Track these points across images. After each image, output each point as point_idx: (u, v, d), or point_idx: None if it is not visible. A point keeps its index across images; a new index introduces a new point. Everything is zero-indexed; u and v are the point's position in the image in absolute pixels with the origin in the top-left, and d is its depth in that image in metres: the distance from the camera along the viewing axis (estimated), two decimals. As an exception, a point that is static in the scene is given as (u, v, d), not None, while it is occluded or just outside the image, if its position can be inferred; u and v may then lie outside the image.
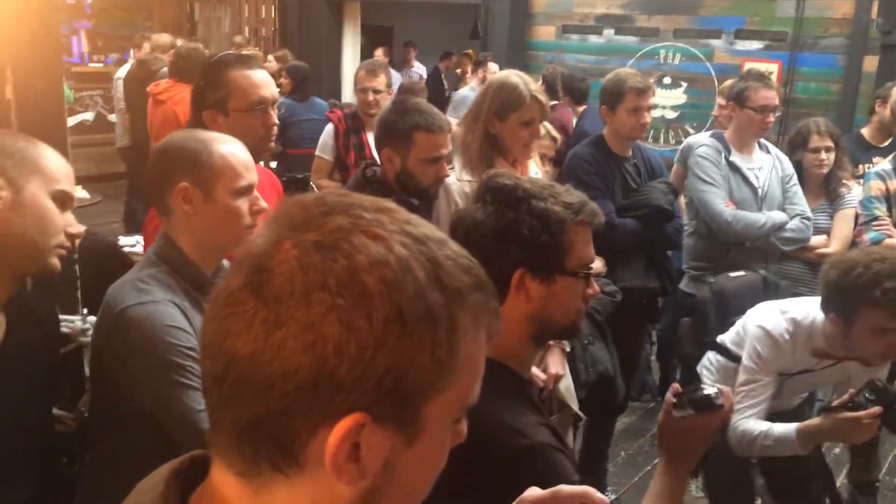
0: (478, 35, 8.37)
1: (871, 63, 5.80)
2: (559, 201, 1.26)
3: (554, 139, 3.30)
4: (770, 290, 2.44)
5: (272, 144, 1.89)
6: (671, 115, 6.76)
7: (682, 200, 3.32)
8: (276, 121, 1.87)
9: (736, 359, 2.11)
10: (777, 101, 3.04)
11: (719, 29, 6.63)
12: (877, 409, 1.75)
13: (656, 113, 6.59)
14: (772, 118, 3.02)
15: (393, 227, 0.60)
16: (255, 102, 1.82)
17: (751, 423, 1.97)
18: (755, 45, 6.50)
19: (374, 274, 0.57)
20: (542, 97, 2.29)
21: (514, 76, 2.32)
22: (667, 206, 2.76)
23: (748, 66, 6.35)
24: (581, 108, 5.37)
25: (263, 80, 1.86)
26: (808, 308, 2.02)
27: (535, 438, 1.19)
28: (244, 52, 4.03)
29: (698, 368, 2.27)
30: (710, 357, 2.26)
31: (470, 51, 8.61)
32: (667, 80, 6.82)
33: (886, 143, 3.79)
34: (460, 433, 0.65)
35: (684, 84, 6.76)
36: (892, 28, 5.89)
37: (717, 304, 2.38)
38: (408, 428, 0.59)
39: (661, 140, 6.79)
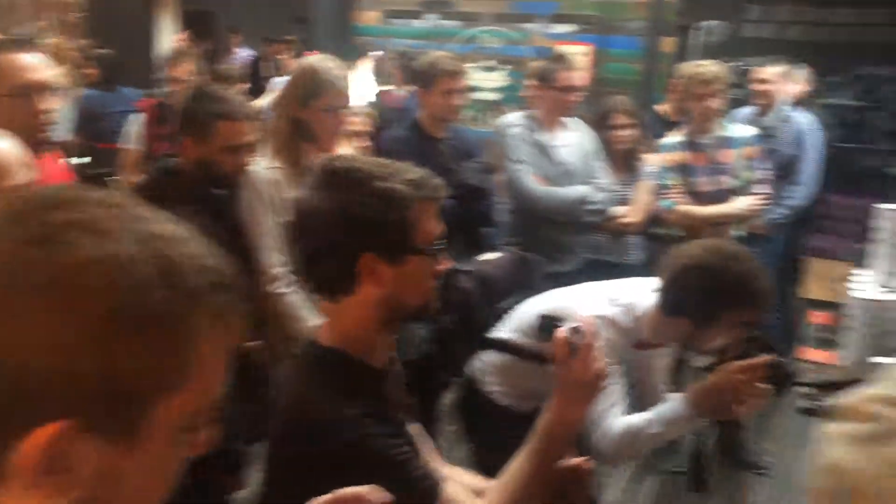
0: (303, 20, 8.24)
1: (668, 44, 6.27)
2: (400, 179, 1.21)
3: (371, 115, 3.32)
4: (531, 267, 2.40)
5: (47, 135, 1.76)
6: (493, 97, 6.98)
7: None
8: (48, 108, 1.74)
9: (526, 354, 1.98)
10: (579, 82, 3.21)
11: (535, 13, 6.92)
12: (766, 357, 1.71)
13: (479, 95, 6.81)
14: (576, 97, 3.19)
15: (121, 223, 0.57)
16: (18, 87, 1.70)
17: (624, 419, 1.85)
18: (568, 28, 6.84)
19: (92, 270, 0.54)
20: (346, 83, 2.29)
21: (320, 62, 2.30)
22: (478, 185, 2.85)
23: (563, 48, 6.72)
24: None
25: (30, 64, 1.73)
26: (632, 296, 1.94)
27: (356, 432, 1.17)
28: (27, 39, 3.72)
29: (473, 375, 2.14)
30: (486, 359, 2.12)
31: (292, 37, 8.44)
32: (488, 63, 7.03)
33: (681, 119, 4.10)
34: (196, 444, 0.61)
35: (505, 67, 6.99)
36: (685, 10, 6.40)
37: (483, 292, 2.18)
38: (126, 435, 0.55)
39: (484, 121, 7.00)
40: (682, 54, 6.17)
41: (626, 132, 3.41)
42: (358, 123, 2.96)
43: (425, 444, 1.40)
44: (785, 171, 4.04)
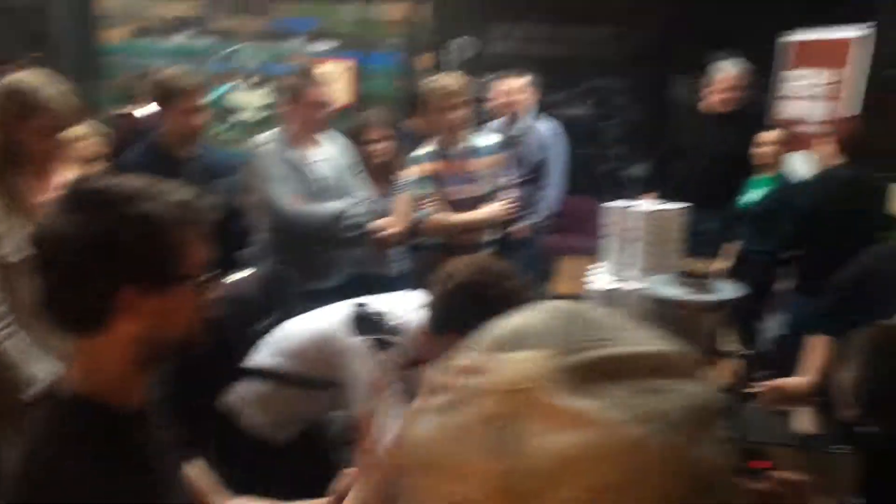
0: (41, 39, 7.53)
1: (426, 60, 6.51)
2: (162, 200, 1.09)
3: (106, 137, 3.09)
4: (285, 284, 2.41)
5: None
6: (257, 116, 6.83)
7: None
8: None
9: (293, 379, 1.94)
10: (329, 97, 3.22)
11: (294, 31, 6.87)
12: None
13: (240, 115, 6.65)
14: (326, 113, 3.20)
15: None
16: None
17: None
18: (329, 45, 6.86)
19: None
20: (66, 101, 2.11)
21: (30, 79, 2.10)
22: (230, 205, 2.76)
23: (325, 66, 6.75)
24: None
25: None
26: (400, 314, 1.94)
27: (100, 491, 1.04)
28: None
29: (229, 407, 2.05)
30: (244, 388, 2.01)
31: (25, 57, 7.69)
32: (250, 82, 6.87)
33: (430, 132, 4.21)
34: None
35: (265, 85, 6.86)
36: (439, 28, 6.70)
37: (235, 314, 2.11)
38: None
39: (245, 142, 6.83)
40: (437, 70, 6.45)
41: (381, 146, 3.48)
42: (89, 146, 2.75)
43: (208, 479, 1.31)
44: (535, 177, 4.36)
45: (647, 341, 0.52)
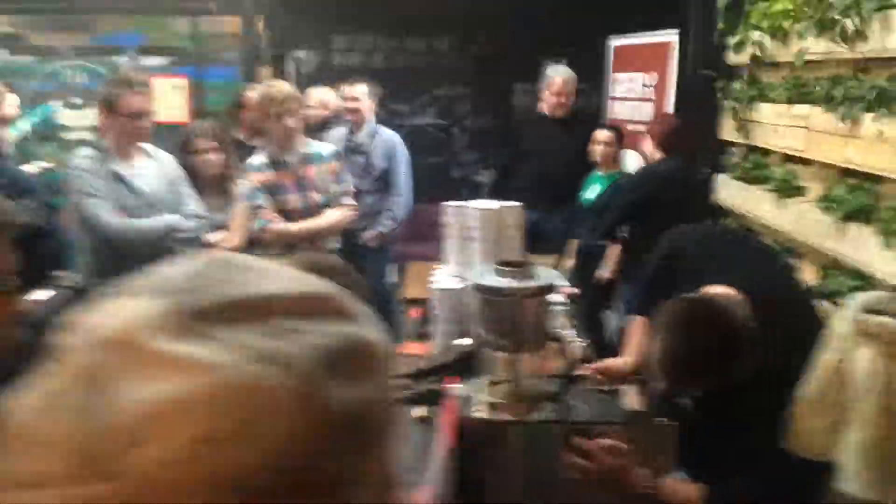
0: None
1: (266, 74, 6.36)
2: None
3: None
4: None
5: None
6: (81, 135, 6.41)
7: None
8: None
9: None
10: (147, 105, 3.04)
11: (121, 46, 6.52)
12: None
13: (66, 134, 6.23)
14: (146, 123, 3.02)
15: None
16: None
17: None
18: (161, 61, 6.56)
19: None
20: None
21: None
22: (35, 224, 2.54)
23: (157, 81, 6.44)
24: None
25: None
26: None
27: None
28: None
29: None
30: None
31: None
32: (76, 101, 6.44)
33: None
34: None
35: (93, 103, 6.46)
36: (278, 41, 6.57)
37: (34, 336, 2.06)
38: None
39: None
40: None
41: (212, 156, 3.33)
42: None
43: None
44: (381, 186, 4.34)
45: (290, 283, 0.48)
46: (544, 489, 1.63)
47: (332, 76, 5.89)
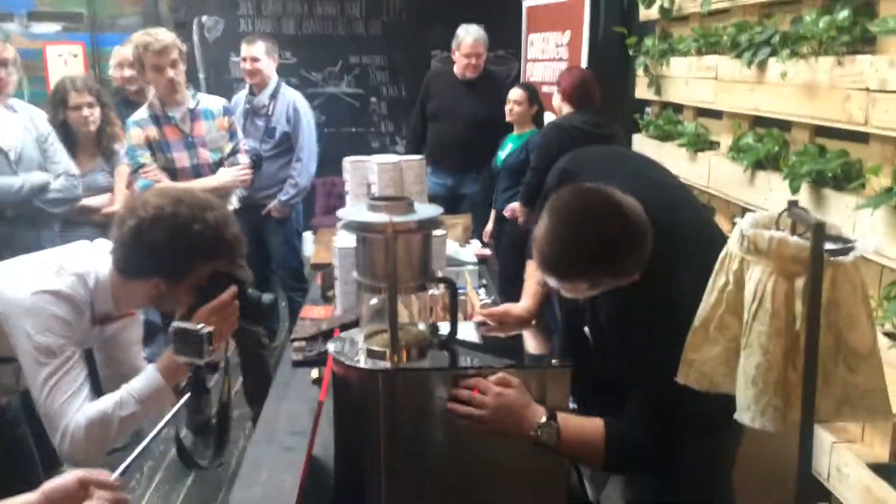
0: None
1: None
2: None
3: None
4: None
5: None
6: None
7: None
8: None
9: None
10: (10, 54, 2.76)
11: (10, 12, 6.08)
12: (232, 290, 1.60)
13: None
14: (4, 75, 2.74)
15: None
16: None
17: (90, 407, 1.56)
18: (53, 27, 6.16)
19: None
20: None
21: None
22: None
23: (50, 49, 6.05)
24: None
25: None
26: (84, 263, 1.64)
27: None
28: None
29: None
30: None
31: None
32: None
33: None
34: None
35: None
36: (181, 6, 6.23)
37: None
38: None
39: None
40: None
41: (87, 112, 3.06)
42: None
43: None
44: (283, 150, 4.11)
45: None
46: (429, 442, 1.49)
47: (237, 43, 5.63)
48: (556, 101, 3.83)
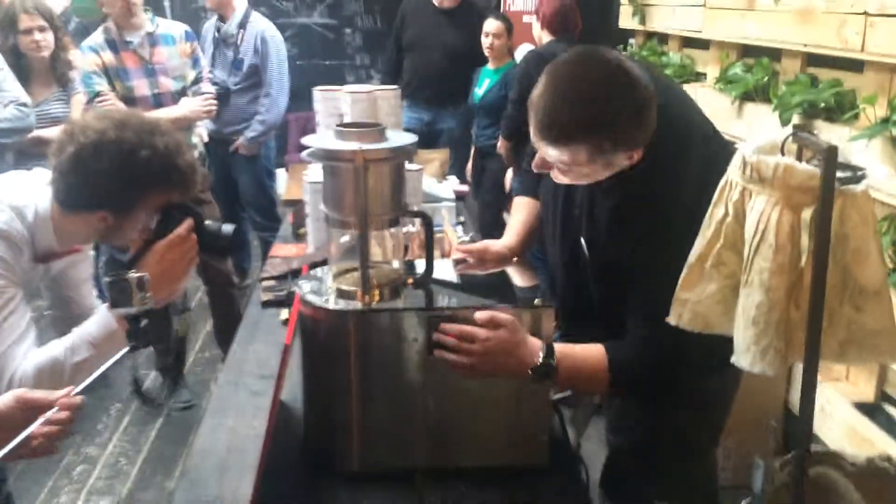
0: None
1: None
2: None
3: None
4: None
5: None
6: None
7: None
8: None
9: None
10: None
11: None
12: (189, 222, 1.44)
13: None
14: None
15: None
16: None
17: (37, 353, 1.42)
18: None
19: None
20: None
21: None
22: None
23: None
24: None
25: None
26: (20, 196, 1.47)
27: None
28: None
29: None
30: None
31: None
32: None
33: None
34: None
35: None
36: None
37: None
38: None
39: None
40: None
41: (39, 36, 2.85)
42: None
43: None
44: (252, 84, 3.91)
45: None
46: (403, 388, 1.40)
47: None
48: (536, 30, 3.66)
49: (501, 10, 4.90)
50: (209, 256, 1.53)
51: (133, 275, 1.38)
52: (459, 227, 2.79)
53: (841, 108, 2.23)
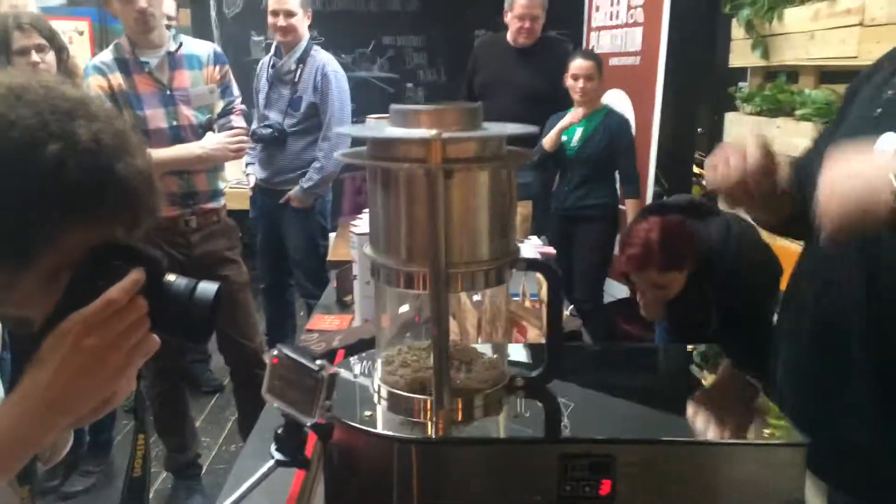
0: None
1: (184, 16, 5.41)
2: None
3: None
4: None
5: None
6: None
7: None
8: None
9: None
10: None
11: (10, -18, 5.54)
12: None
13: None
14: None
15: None
16: None
17: None
18: (58, 0, 5.65)
19: None
20: None
21: None
22: None
23: (55, 24, 5.49)
24: None
25: None
26: None
27: None
28: None
29: None
30: None
31: None
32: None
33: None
34: None
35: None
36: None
37: None
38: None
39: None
40: (199, 26, 5.40)
41: (37, 57, 2.36)
42: None
43: None
44: (311, 125, 3.38)
45: None
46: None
47: (260, 20, 4.96)
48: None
49: (586, 49, 4.31)
50: (167, 332, 0.83)
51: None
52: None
53: None
